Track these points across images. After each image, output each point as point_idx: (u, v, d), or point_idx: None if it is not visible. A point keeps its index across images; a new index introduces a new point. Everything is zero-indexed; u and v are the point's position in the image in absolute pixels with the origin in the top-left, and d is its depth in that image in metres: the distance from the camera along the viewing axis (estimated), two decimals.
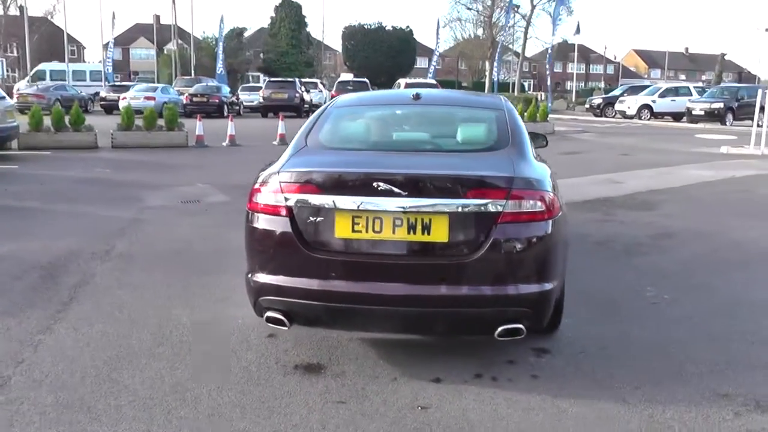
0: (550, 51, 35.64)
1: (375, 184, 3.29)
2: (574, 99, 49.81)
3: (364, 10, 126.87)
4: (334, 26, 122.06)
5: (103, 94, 29.89)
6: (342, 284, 3.34)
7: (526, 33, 40.88)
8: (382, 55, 53.95)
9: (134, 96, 25.83)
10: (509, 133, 3.99)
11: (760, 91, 17.98)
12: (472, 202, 3.29)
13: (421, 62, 66.95)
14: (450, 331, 3.78)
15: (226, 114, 27.30)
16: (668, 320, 4.55)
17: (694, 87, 33.01)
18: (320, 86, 35.23)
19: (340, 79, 31.27)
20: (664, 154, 16.05)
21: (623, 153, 16.19)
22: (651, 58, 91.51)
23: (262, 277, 3.49)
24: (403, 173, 3.37)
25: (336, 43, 61.32)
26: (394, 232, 3.30)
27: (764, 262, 6.22)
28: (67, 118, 14.70)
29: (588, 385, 3.54)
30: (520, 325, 3.34)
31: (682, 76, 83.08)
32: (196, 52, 42.97)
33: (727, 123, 26.35)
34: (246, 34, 55.16)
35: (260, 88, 32.60)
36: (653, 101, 30.74)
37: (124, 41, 46.28)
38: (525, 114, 22.76)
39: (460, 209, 3.30)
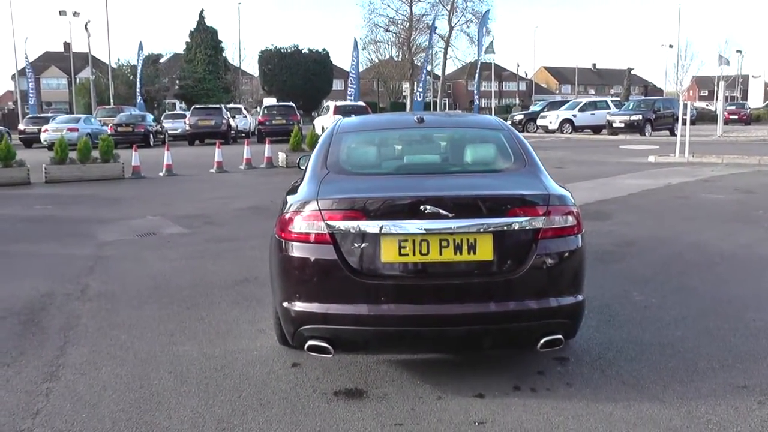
0: (477, 70, 36.55)
1: (422, 207, 3.33)
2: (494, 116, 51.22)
3: (279, 33, 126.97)
4: (250, 50, 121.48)
5: (22, 126, 28.47)
6: (392, 308, 3.34)
7: (445, 54, 41.97)
8: (299, 78, 53.94)
9: (56, 128, 24.70)
10: (522, 152, 4.14)
11: (682, 105, 19.15)
12: (515, 220, 3.41)
13: (337, 84, 67.41)
14: (495, 346, 3.84)
15: (152, 143, 26.60)
16: (665, 322, 4.76)
17: (612, 101, 34.69)
18: (244, 112, 34.83)
19: (266, 104, 31.03)
20: (596, 165, 16.77)
21: (556, 166, 16.76)
22: (561, 75, 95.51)
23: (304, 306, 3.43)
24: (449, 195, 3.44)
25: (252, 67, 61.07)
26: (441, 254, 3.34)
27: (726, 262, 6.60)
28: None
29: (621, 389, 3.66)
30: (560, 336, 3.47)
31: (592, 91, 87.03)
32: (111, 81, 41.69)
33: (647, 134, 27.86)
34: (161, 61, 53.96)
35: (184, 115, 31.93)
36: (574, 115, 32.11)
37: (34, 70, 44.21)
38: None
39: (504, 228, 3.40)
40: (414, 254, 3.33)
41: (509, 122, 37.47)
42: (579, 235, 3.58)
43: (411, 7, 45.51)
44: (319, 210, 3.41)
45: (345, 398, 3.55)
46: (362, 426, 3.23)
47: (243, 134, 30.19)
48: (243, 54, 60.60)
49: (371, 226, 3.34)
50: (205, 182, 14.84)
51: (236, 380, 3.82)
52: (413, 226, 3.32)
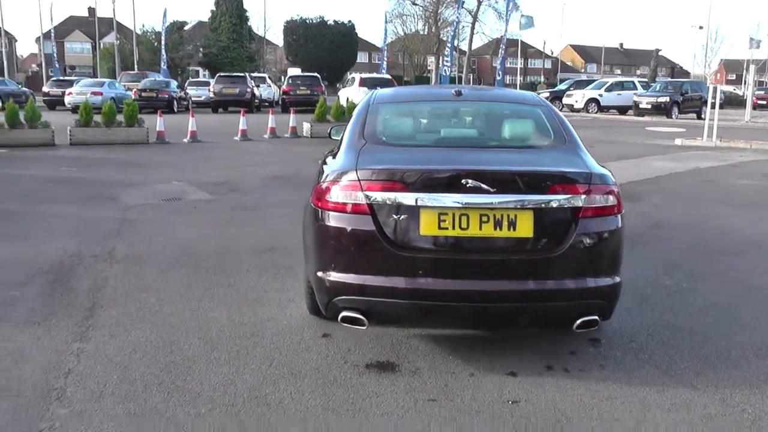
0: (503, 46, 36.02)
1: (463, 181, 3.28)
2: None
3: (305, 3, 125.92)
4: (275, 20, 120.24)
5: (46, 89, 28.57)
6: (430, 282, 3.30)
7: (472, 29, 41.41)
8: (324, 49, 53.53)
9: (80, 91, 24.72)
10: (561, 129, 4.08)
11: (710, 88, 18.81)
12: (556, 198, 3.35)
13: (361, 57, 66.86)
14: (530, 324, 3.81)
15: (175, 109, 26.62)
16: (696, 308, 4.68)
17: (639, 81, 34.09)
18: (269, 81, 34.65)
19: (290, 74, 30.83)
20: (624, 146, 16.53)
21: (587, 146, 16.53)
22: (587, 53, 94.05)
23: (339, 276, 3.40)
24: (491, 170, 3.38)
25: (277, 37, 60.63)
26: (480, 229, 3.29)
27: (755, 249, 6.49)
28: (21, 114, 14.01)
29: (653, 373, 3.60)
30: (596, 317, 3.42)
31: (618, 71, 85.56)
32: (136, 47, 41.67)
33: (673, 116, 27.36)
34: (185, 28, 53.80)
35: (207, 83, 31.85)
36: (600, 95, 31.60)
37: (58, 34, 44.30)
38: None
39: (544, 205, 3.33)
40: (453, 228, 3.28)
41: None
42: (619, 216, 3.51)
43: None
44: (358, 180, 3.36)
45: (377, 371, 3.52)
46: (395, 400, 3.21)
47: (267, 103, 30.07)
48: (268, 24, 60.09)
49: (411, 198, 3.29)
50: (230, 150, 14.83)
51: (266, 348, 3.81)
52: (454, 199, 3.27)
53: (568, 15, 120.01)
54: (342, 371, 3.51)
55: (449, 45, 35.42)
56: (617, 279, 3.50)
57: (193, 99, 29.74)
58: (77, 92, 24.76)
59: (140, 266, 5.52)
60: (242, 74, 30.22)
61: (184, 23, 52.37)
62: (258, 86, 29.84)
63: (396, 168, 3.41)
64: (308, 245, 3.75)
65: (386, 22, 35.26)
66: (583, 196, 3.37)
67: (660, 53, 63.91)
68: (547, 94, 36.36)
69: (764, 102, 37.20)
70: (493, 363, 3.62)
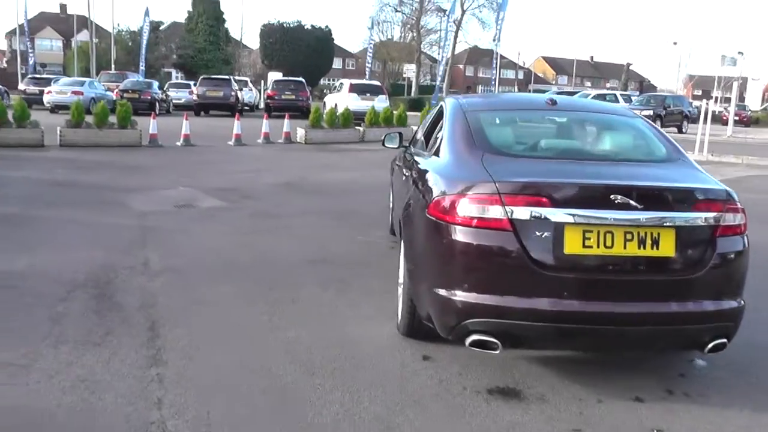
0: (497, 57, 36.07)
1: (612, 196, 3.06)
2: None
3: (283, 7, 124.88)
4: (252, 23, 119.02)
5: (22, 86, 27.52)
6: (575, 304, 3.05)
7: (455, 37, 41.30)
8: (300, 54, 52.94)
9: (60, 90, 23.90)
10: (668, 142, 3.96)
11: (703, 104, 19.11)
12: (698, 216, 3.18)
13: (336, 62, 66.50)
14: (667, 347, 3.60)
15: (158, 111, 25.92)
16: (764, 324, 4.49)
17: (621, 94, 34.42)
18: (250, 85, 34.04)
19: (275, 78, 30.23)
20: None
21: None
22: (558, 65, 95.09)
23: (473, 297, 3.12)
24: (639, 185, 3.18)
25: (252, 41, 59.92)
26: (625, 247, 3.07)
27: None
28: (10, 113, 13.37)
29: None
30: (725, 339, 3.25)
31: (588, 83, 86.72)
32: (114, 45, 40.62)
33: None
34: (160, 29, 52.74)
35: (188, 85, 31.18)
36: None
37: (28, 30, 42.93)
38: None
39: (686, 223, 3.16)
40: (598, 246, 3.05)
41: None
42: (746, 235, 3.35)
43: None
44: (499, 194, 3.09)
45: (503, 398, 3.26)
46: (537, 430, 2.95)
47: (247, 107, 29.51)
48: (244, 26, 59.21)
49: (556, 214, 3.05)
50: (226, 154, 14.40)
51: (370, 372, 3.51)
52: (603, 216, 3.04)
53: (540, 27, 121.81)
54: (466, 398, 3.24)
55: (443, 57, 35.14)
56: (743, 301, 3.34)
57: (173, 101, 29.05)
58: (57, 91, 23.90)
59: (184, 279, 5.15)
60: (226, 77, 29.60)
61: (159, 23, 51.23)
62: (241, 90, 29.25)
63: (541, 181, 3.17)
64: (421, 261, 3.48)
65: (371, 27, 35.00)
66: (722, 215, 3.21)
67: (630, 67, 65.00)
68: None
69: (737, 118, 37.97)
70: (614, 387, 3.40)
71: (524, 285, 3.07)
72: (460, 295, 3.15)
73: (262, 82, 40.18)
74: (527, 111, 4.52)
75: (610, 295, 3.09)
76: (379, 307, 4.55)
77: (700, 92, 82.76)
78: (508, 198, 3.08)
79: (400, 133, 6.12)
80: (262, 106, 32.57)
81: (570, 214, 3.05)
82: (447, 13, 36.79)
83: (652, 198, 3.14)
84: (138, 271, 5.34)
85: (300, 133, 17.50)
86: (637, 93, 42.94)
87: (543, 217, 3.05)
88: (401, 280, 4.20)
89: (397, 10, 47.77)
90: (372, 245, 6.54)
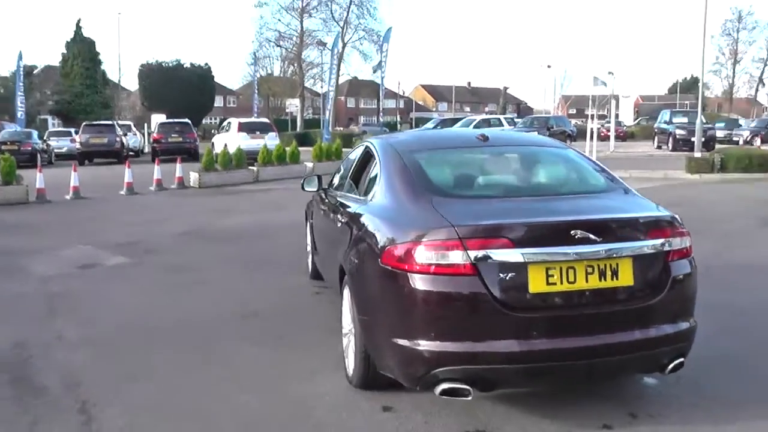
0: (382, 89, 36.62)
1: (572, 232, 3.13)
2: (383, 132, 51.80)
3: (159, 45, 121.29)
4: (129, 64, 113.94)
5: None
6: (545, 342, 3.09)
7: (338, 70, 41.72)
8: (181, 94, 51.57)
9: None
10: (603, 170, 4.12)
11: (589, 123, 20.37)
12: (652, 243, 3.31)
13: (217, 101, 65.38)
14: (632, 373, 3.70)
15: (39, 163, 24.32)
16: None
17: (505, 118, 35.96)
18: (134, 129, 32.71)
19: (160, 121, 29.14)
20: None
21: None
22: (437, 92, 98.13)
23: (442, 345, 3.09)
24: (596, 219, 3.29)
25: (130, 82, 57.79)
26: (587, 281, 3.16)
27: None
28: None
29: (721, 410, 3.62)
30: (683, 359, 3.41)
31: (467, 108, 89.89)
32: None
33: None
34: (34, 73, 49.64)
35: (69, 132, 29.53)
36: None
37: None
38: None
39: (641, 251, 3.28)
40: (562, 282, 3.12)
41: None
42: (692, 257, 3.54)
43: (302, 22, 45.06)
44: (459, 238, 3.09)
45: None
46: None
47: (133, 153, 28.27)
48: (122, 68, 56.54)
49: (520, 254, 3.09)
50: (120, 205, 13.70)
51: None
52: (565, 251, 3.12)
53: (417, 56, 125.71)
54: None
55: (329, 90, 35.20)
56: (695, 321, 3.52)
57: (55, 151, 27.31)
58: None
59: (107, 350, 4.79)
60: (110, 122, 28.21)
61: (33, 68, 48.18)
62: (125, 135, 28.04)
63: (502, 223, 3.20)
64: (377, 311, 3.43)
65: (253, 63, 34.69)
66: (671, 239, 3.37)
67: (508, 91, 68.15)
68: None
69: (615, 133, 40.67)
70: (581, 418, 3.46)
71: (493, 328, 3.08)
72: (427, 344, 3.11)
73: (145, 125, 38.76)
74: (463, 149, 4.56)
75: (577, 329, 3.16)
76: (322, 360, 4.43)
77: (574, 111, 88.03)
78: (470, 242, 3.09)
79: (318, 176, 6.07)
80: (147, 150, 31.41)
81: (533, 254, 3.10)
82: (331, 47, 37.18)
83: (609, 230, 3.25)
84: (54, 346, 4.92)
85: (193, 177, 17.01)
86: (515, 115, 45.04)
87: (506, 258, 3.09)
88: (346, 330, 4.13)
89: (278, 45, 47.73)
90: (295, 292, 6.41)
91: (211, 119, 65.57)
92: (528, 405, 3.60)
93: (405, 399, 3.69)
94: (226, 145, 21.09)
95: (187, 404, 3.83)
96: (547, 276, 3.12)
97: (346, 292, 4.02)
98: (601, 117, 48.88)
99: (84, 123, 26.77)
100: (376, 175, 4.19)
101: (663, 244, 3.34)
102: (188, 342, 4.94)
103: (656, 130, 31.41)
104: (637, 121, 49.32)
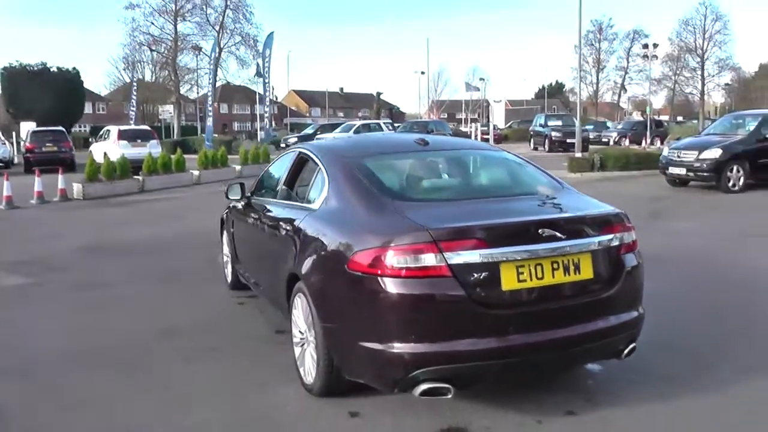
0: (269, 94, 35.80)
1: (540, 230, 3.28)
2: (259, 139, 50.90)
3: (23, 48, 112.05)
4: None
5: None
6: (520, 337, 3.21)
7: (215, 75, 40.60)
8: (48, 99, 48.20)
9: None
10: (544, 173, 4.31)
11: (473, 127, 21.14)
12: (606, 238, 3.54)
13: (86, 107, 61.74)
14: (594, 360, 3.89)
15: None
16: None
17: (384, 123, 36.46)
18: (2, 138, 30.11)
19: (32, 129, 27.02)
20: None
21: None
22: (310, 98, 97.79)
23: (421, 347, 3.12)
24: (559, 217, 3.47)
25: None
26: (553, 276, 3.31)
27: None
28: None
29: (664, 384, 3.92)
30: (635, 344, 3.67)
31: (341, 114, 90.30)
32: None
33: None
34: None
35: None
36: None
37: None
38: (248, 156, 22.71)
39: (598, 246, 3.49)
40: (531, 279, 3.26)
41: (282, 145, 37.73)
42: (638, 250, 3.80)
43: (176, 26, 43.40)
44: (434, 240, 3.14)
45: None
46: None
47: (2, 164, 25.95)
48: None
49: (491, 255, 3.19)
50: (3, 221, 12.54)
51: None
52: (533, 249, 3.27)
53: (290, 61, 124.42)
54: None
55: (210, 94, 34.04)
56: (643, 309, 3.78)
57: None
58: None
59: (35, 381, 4.36)
60: None
61: None
62: None
63: (474, 224, 3.28)
64: (346, 317, 3.42)
65: (128, 68, 33.01)
66: (621, 234, 3.61)
67: (381, 96, 69.29)
68: (295, 139, 36.95)
69: (488, 136, 42.57)
70: (545, 407, 3.62)
71: (471, 327, 3.16)
72: (406, 347, 3.14)
73: (14, 133, 35.91)
74: (407, 153, 4.58)
75: (549, 323, 3.32)
76: (267, 370, 4.34)
77: (446, 115, 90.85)
78: (444, 244, 3.15)
79: (242, 184, 5.93)
80: (17, 161, 29.10)
81: (504, 253, 3.22)
82: (210, 52, 36.16)
83: (571, 227, 3.45)
84: None
85: (77, 188, 15.99)
86: (391, 120, 45.85)
87: (480, 258, 3.18)
88: (297, 338, 4.07)
89: (151, 49, 45.69)
90: (216, 303, 6.22)
91: (80, 127, 61.76)
92: (492, 399, 3.71)
93: (368, 403, 3.70)
94: (105, 153, 20.01)
95: (142, 429, 3.61)
96: (518, 273, 3.25)
97: (299, 301, 3.95)
98: (474, 120, 51.02)
99: None
100: (321, 182, 4.16)
101: (616, 239, 3.58)
102: (118, 364, 4.65)
103: (532, 133, 33.16)
104: (509, 124, 51.83)
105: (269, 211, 5.00)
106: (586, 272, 3.42)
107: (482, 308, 3.18)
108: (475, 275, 3.19)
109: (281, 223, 4.49)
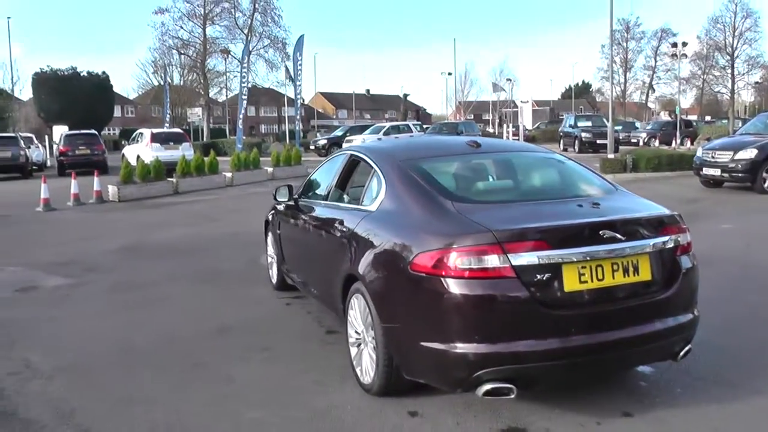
0: (300, 98, 36.05)
1: (601, 232, 3.31)
2: (287, 141, 51.26)
3: (54, 53, 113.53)
4: (22, 72, 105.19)
5: None
6: (582, 338, 3.25)
7: (241, 79, 40.87)
8: (78, 103, 48.96)
9: None
10: (596, 174, 4.33)
11: (505, 129, 21.17)
12: (664, 239, 3.55)
13: (116, 111, 62.73)
14: (653, 361, 3.90)
15: None
16: None
17: (413, 124, 36.54)
18: (36, 141, 30.74)
19: (65, 133, 27.59)
20: None
21: None
22: (337, 100, 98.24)
23: (486, 348, 3.17)
24: (620, 218, 3.49)
25: (24, 91, 53.95)
26: (613, 278, 3.34)
27: None
28: None
29: (719, 390, 3.92)
30: (690, 346, 3.68)
31: (367, 116, 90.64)
32: None
33: None
34: None
35: None
36: (379, 139, 33.19)
37: None
38: (280, 158, 22.97)
39: (655, 247, 3.51)
40: (592, 280, 3.30)
41: (312, 147, 38.03)
42: (693, 252, 3.81)
43: (204, 30, 43.77)
44: (498, 242, 3.19)
45: None
46: None
47: (36, 167, 26.56)
48: (16, 76, 51.94)
49: (555, 255, 3.23)
50: (40, 223, 12.89)
51: None
52: (595, 251, 3.30)
53: (317, 64, 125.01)
54: None
55: (244, 97, 34.21)
56: (698, 311, 3.79)
57: None
58: None
59: (87, 377, 4.52)
60: (12, 134, 26.32)
61: None
62: (28, 147, 26.30)
63: (538, 226, 3.33)
64: (409, 318, 3.47)
65: (158, 72, 33.41)
66: (677, 236, 3.63)
67: (408, 97, 69.36)
68: (325, 141, 37.24)
69: (517, 138, 42.45)
70: (602, 409, 3.64)
71: (534, 328, 3.20)
72: (471, 347, 3.19)
73: (46, 137, 36.59)
74: (460, 155, 4.61)
75: (609, 324, 3.34)
76: (322, 370, 4.40)
77: (472, 116, 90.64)
78: (509, 245, 3.20)
79: (289, 186, 6.01)
80: (49, 164, 29.68)
81: (567, 254, 3.25)
82: (241, 55, 36.43)
83: (631, 229, 3.47)
84: (25, 376, 4.60)
85: (112, 190, 16.29)
86: (420, 122, 45.89)
87: (543, 260, 3.22)
88: (353, 339, 4.13)
89: (180, 53, 46.21)
90: (262, 304, 6.31)
91: (110, 130, 62.74)
92: (549, 400, 3.74)
93: (427, 403, 3.75)
94: (139, 156, 20.31)
95: (203, 425, 3.70)
96: (579, 275, 3.28)
97: (356, 301, 4.02)
98: (500, 122, 50.85)
99: None
100: (378, 184, 4.22)
101: (673, 240, 3.60)
102: (171, 361, 4.77)
103: (561, 134, 32.96)
104: (537, 125, 51.58)
105: (321, 212, 5.06)
106: (645, 274, 3.45)
107: (545, 309, 3.21)
108: (538, 276, 3.22)
109: (335, 224, 4.55)
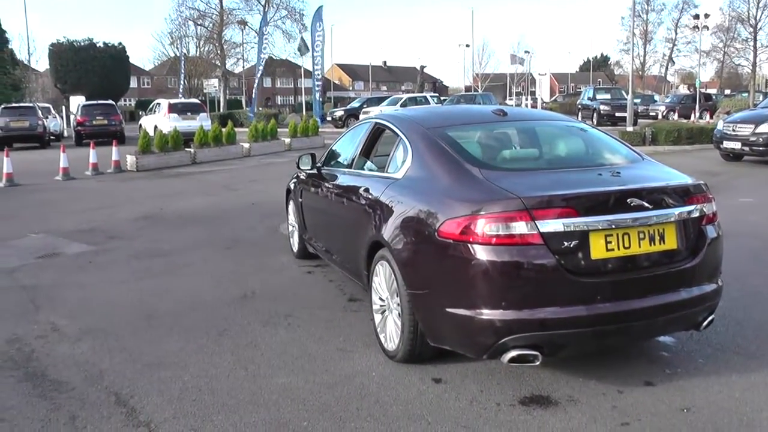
0: (319, 69, 35.84)
1: (629, 200, 3.30)
2: (305, 112, 51.11)
3: (70, 24, 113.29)
4: (39, 43, 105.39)
5: None
6: (608, 306, 3.25)
7: (259, 50, 40.63)
8: (95, 74, 49.13)
9: None
10: (622, 143, 4.29)
11: (523, 100, 20.97)
12: (690, 208, 3.54)
13: (132, 81, 62.89)
14: (677, 330, 3.89)
15: None
16: None
17: (430, 96, 36.26)
18: (53, 111, 30.90)
19: (83, 103, 27.69)
20: None
21: None
22: (353, 72, 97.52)
23: (513, 314, 3.18)
24: (647, 187, 3.47)
25: (41, 62, 54.16)
26: (639, 246, 3.34)
27: None
28: None
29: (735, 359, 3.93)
30: (713, 316, 3.68)
31: (384, 87, 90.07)
32: None
33: None
34: None
35: None
36: (396, 111, 32.94)
37: None
38: (297, 129, 22.96)
39: (681, 216, 3.50)
40: (619, 248, 3.29)
41: (329, 118, 37.90)
42: (718, 221, 3.78)
43: (221, 0, 43.56)
44: (526, 209, 3.19)
45: (540, 407, 3.37)
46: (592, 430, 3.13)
47: (53, 137, 26.77)
48: (32, 46, 52.30)
49: (582, 223, 3.23)
50: (60, 191, 13.02)
51: (399, 407, 3.41)
52: (622, 219, 3.29)
53: (333, 35, 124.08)
54: (508, 414, 3.30)
55: (260, 67, 33.96)
56: (721, 281, 3.78)
57: None
58: None
59: (113, 340, 4.61)
60: (30, 105, 26.47)
61: None
62: (46, 117, 26.46)
63: (566, 193, 3.32)
64: (436, 284, 3.49)
65: (174, 43, 33.35)
66: (703, 205, 3.61)
67: (425, 69, 68.58)
68: (342, 112, 37.07)
69: (536, 109, 42.00)
70: (623, 377, 3.67)
71: (561, 295, 3.21)
72: (497, 314, 3.21)
73: (63, 107, 36.73)
74: (487, 124, 4.59)
75: (635, 292, 3.34)
76: (345, 337, 4.46)
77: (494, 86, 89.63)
78: (537, 212, 3.19)
79: (312, 154, 6.01)
80: (66, 134, 29.86)
81: (594, 222, 3.25)
82: (259, 26, 36.12)
83: (658, 197, 3.45)
84: (53, 339, 4.70)
85: (130, 159, 16.39)
86: (437, 94, 45.56)
87: (571, 227, 3.22)
88: (377, 306, 4.17)
89: (197, 24, 46.04)
90: (283, 272, 6.36)
91: (126, 101, 62.89)
92: (571, 368, 3.77)
93: (451, 369, 3.80)
94: (156, 126, 20.35)
95: (231, 389, 3.76)
96: (606, 242, 3.28)
97: (381, 268, 4.04)
98: (518, 94, 50.29)
99: (2, 106, 25.11)
100: (404, 151, 4.21)
101: (698, 210, 3.58)
102: (196, 327, 4.83)
103: (579, 107, 32.59)
104: (554, 98, 51.04)
105: (344, 180, 5.07)
106: (671, 242, 3.44)
107: (572, 276, 3.21)
108: (566, 243, 3.22)
109: (360, 192, 4.56)
